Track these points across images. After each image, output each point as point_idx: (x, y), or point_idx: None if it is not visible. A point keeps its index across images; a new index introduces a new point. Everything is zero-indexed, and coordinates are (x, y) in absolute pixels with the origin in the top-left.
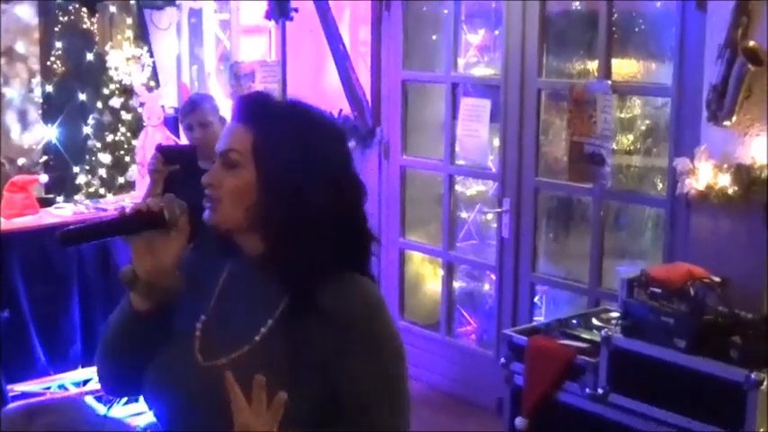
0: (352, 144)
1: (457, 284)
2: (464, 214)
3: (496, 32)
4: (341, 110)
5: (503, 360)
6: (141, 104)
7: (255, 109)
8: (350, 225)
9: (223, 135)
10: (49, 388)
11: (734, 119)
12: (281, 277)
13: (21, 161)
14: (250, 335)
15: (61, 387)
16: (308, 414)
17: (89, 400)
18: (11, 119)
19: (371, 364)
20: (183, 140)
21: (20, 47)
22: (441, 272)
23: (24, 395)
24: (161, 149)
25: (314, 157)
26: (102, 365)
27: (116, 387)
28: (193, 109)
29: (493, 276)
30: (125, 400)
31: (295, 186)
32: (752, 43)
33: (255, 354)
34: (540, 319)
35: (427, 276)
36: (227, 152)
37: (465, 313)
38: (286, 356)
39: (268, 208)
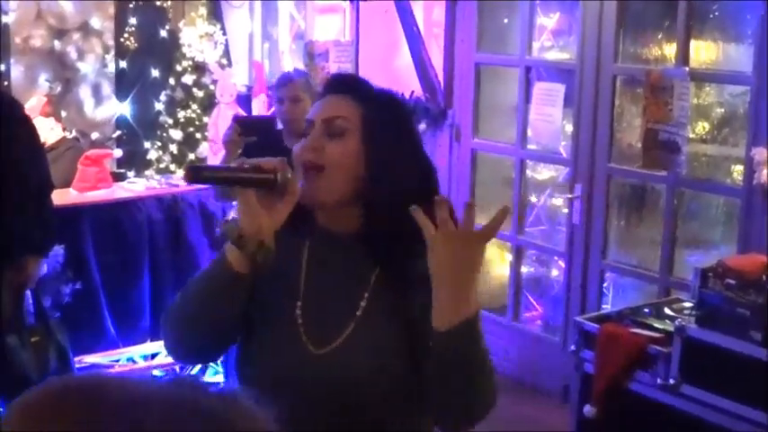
0: (422, 126)
1: (524, 269)
2: (533, 199)
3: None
4: (413, 91)
5: (573, 347)
6: (214, 82)
7: (357, 85)
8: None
9: (321, 105)
10: (117, 360)
11: None
12: (375, 251)
13: (94, 135)
14: (350, 312)
15: (130, 360)
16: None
17: (157, 374)
18: (85, 93)
19: None
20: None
21: (95, 22)
22: (508, 256)
23: (93, 366)
24: (238, 120)
25: (408, 136)
26: (177, 328)
27: (189, 351)
28: (287, 83)
29: (561, 262)
30: (198, 368)
31: (397, 163)
32: None
33: (361, 328)
34: (606, 306)
35: (494, 260)
36: (334, 119)
37: (531, 298)
38: (392, 322)
39: (374, 182)
